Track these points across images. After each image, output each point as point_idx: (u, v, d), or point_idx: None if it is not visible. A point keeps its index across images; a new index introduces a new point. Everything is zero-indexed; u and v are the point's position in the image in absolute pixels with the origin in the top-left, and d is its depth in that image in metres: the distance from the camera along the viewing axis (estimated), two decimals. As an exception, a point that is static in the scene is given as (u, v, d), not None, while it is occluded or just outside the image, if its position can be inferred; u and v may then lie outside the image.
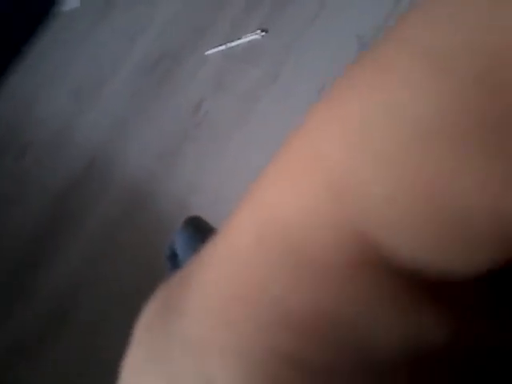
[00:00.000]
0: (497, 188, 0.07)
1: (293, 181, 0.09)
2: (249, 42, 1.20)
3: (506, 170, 0.07)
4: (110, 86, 1.22)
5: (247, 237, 0.10)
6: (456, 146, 0.08)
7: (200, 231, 0.56)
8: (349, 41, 1.14)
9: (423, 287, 0.09)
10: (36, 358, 1.01)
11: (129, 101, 1.20)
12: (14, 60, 1.28)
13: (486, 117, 0.07)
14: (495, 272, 0.09)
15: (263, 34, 1.19)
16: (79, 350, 0.99)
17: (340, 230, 0.09)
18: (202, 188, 1.11)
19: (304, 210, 0.09)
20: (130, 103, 1.20)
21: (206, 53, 1.22)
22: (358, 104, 0.08)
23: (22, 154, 1.22)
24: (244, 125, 1.14)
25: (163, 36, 1.24)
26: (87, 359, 0.98)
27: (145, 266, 0.97)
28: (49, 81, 1.26)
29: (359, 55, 0.09)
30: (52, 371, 0.98)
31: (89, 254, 1.08)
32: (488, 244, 0.08)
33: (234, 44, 1.21)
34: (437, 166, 0.08)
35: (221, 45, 1.21)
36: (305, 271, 0.09)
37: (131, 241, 1.07)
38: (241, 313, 0.09)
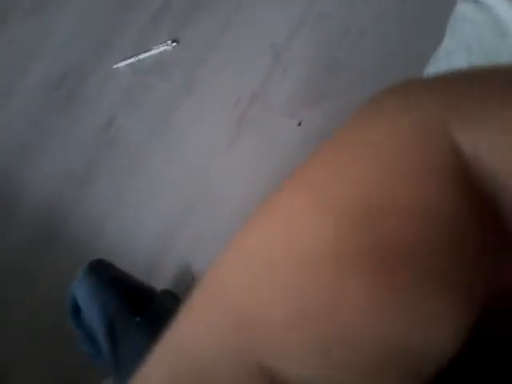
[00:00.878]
0: (380, 316, 0.08)
1: (203, 314, 0.10)
2: (159, 53, 1.15)
3: (384, 296, 0.08)
4: (10, 107, 1.12)
5: (160, 368, 0.10)
6: (338, 274, 0.08)
7: (106, 279, 0.50)
8: (263, 50, 1.11)
9: None
10: None
11: (31, 122, 1.11)
12: None
13: (361, 245, 0.08)
14: None
15: (174, 44, 1.14)
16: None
17: (242, 360, 0.09)
18: (117, 209, 1.04)
19: (212, 341, 0.09)
20: (33, 124, 1.11)
21: (114, 66, 1.15)
22: (257, 236, 0.09)
23: None
24: (159, 140, 1.08)
25: (66, 50, 1.16)
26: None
27: (53, 300, 0.89)
28: None
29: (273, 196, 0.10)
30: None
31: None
32: (385, 372, 0.08)
33: (143, 56, 1.15)
34: (321, 293, 0.08)
35: (129, 57, 1.15)
36: None
37: (39, 275, 0.99)
38: None
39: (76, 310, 0.48)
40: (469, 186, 0.09)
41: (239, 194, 1.00)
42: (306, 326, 0.08)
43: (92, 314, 0.45)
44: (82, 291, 0.46)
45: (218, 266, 0.10)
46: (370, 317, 0.08)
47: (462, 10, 0.64)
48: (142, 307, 0.47)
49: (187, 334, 0.10)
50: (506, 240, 0.09)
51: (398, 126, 0.09)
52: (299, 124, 1.03)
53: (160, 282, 0.92)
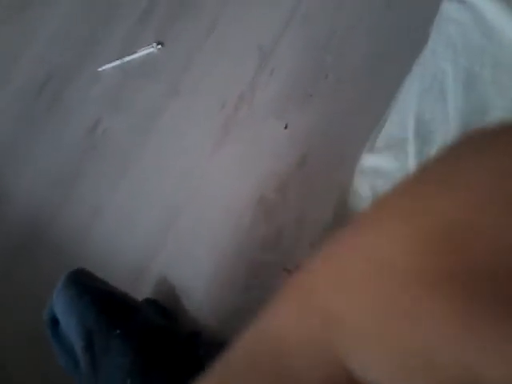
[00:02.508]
0: (454, 340, 0.08)
1: (295, 309, 0.11)
2: (145, 55, 1.14)
3: (459, 322, 0.08)
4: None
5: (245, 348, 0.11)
6: (423, 293, 0.09)
7: (85, 289, 0.49)
8: (249, 51, 1.10)
9: None
10: None
11: (15, 127, 1.10)
12: None
13: (445, 269, 0.09)
14: None
15: (159, 46, 1.13)
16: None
17: (324, 354, 0.10)
18: (103, 213, 1.03)
19: (299, 333, 0.10)
20: (18, 127, 1.10)
21: (100, 69, 1.13)
22: (349, 248, 0.10)
23: None
24: (145, 143, 1.07)
25: (51, 52, 1.15)
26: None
27: (40, 303, 0.87)
28: None
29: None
30: None
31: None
32: None
33: (129, 58, 1.13)
34: (405, 309, 0.09)
35: (115, 60, 1.14)
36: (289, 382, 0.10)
37: (27, 278, 0.97)
38: None
39: (54, 323, 0.46)
40: None
41: (226, 198, 0.99)
42: (388, 336, 0.09)
43: (70, 326, 0.43)
44: (61, 302, 0.44)
45: (310, 271, 0.11)
46: (445, 339, 0.09)
47: (447, 9, 0.63)
48: (122, 319, 0.45)
49: (277, 324, 0.11)
50: None
51: (489, 168, 0.10)
52: (286, 127, 1.02)
53: (144, 288, 0.91)
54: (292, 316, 0.11)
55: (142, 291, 0.89)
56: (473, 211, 0.09)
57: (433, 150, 0.59)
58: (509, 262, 0.08)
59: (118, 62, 1.13)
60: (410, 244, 0.09)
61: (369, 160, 0.64)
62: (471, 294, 0.08)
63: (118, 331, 0.44)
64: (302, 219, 0.94)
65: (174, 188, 1.02)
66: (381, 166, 0.62)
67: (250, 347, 0.11)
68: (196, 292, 0.91)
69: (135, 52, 1.13)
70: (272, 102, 1.06)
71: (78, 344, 0.42)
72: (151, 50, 1.13)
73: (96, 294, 0.46)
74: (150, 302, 0.71)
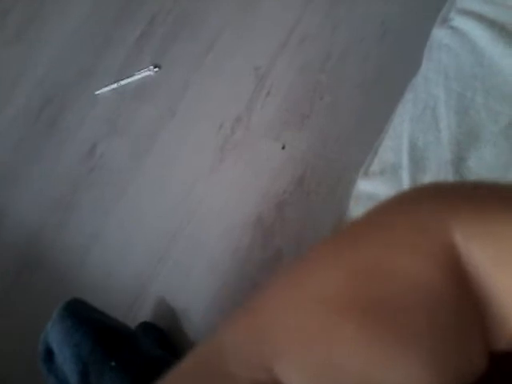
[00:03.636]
0: (365, 357, 0.10)
1: (241, 331, 0.12)
2: (142, 78, 1.14)
3: (371, 343, 0.11)
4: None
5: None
6: (341, 319, 0.11)
7: (80, 320, 0.49)
8: (246, 73, 1.11)
9: None
10: None
11: (14, 151, 1.10)
12: None
13: (361, 299, 0.11)
14: None
15: (156, 69, 1.14)
16: None
17: (254, 360, 0.11)
18: (101, 238, 1.03)
19: (242, 360, 0.12)
20: (15, 153, 1.10)
21: (97, 92, 1.14)
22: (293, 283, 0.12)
23: None
24: (142, 166, 1.07)
25: (49, 77, 1.16)
26: None
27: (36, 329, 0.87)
28: None
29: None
30: None
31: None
32: None
33: (126, 82, 1.14)
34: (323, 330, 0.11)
35: (112, 83, 1.14)
36: None
37: (21, 303, 0.97)
38: None
39: (49, 354, 0.46)
40: (458, 275, 0.11)
41: (224, 220, 0.99)
42: (307, 352, 0.11)
43: (65, 357, 0.43)
44: (56, 333, 0.44)
45: (256, 302, 0.12)
46: (352, 353, 0.10)
47: (438, 35, 0.64)
48: (117, 350, 0.45)
49: (223, 338, 0.12)
50: (485, 357, 0.11)
51: (401, 224, 0.12)
52: (283, 147, 1.02)
53: (142, 311, 0.91)
54: (237, 333, 0.12)
55: (140, 314, 0.89)
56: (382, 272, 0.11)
57: (426, 176, 0.59)
58: (403, 301, 0.11)
59: (115, 85, 1.14)
60: (339, 284, 0.11)
61: (363, 185, 0.64)
62: (374, 319, 0.11)
63: (113, 363, 0.44)
64: (301, 239, 0.94)
65: (172, 210, 1.02)
66: (375, 192, 0.62)
67: (197, 356, 0.12)
68: (195, 314, 0.91)
69: (132, 75, 1.14)
70: (269, 123, 1.06)
71: (73, 376, 0.42)
72: (148, 72, 1.14)
73: (91, 326, 0.47)
74: (148, 326, 0.71)
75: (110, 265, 1.00)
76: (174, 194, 1.04)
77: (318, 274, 0.12)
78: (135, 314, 0.84)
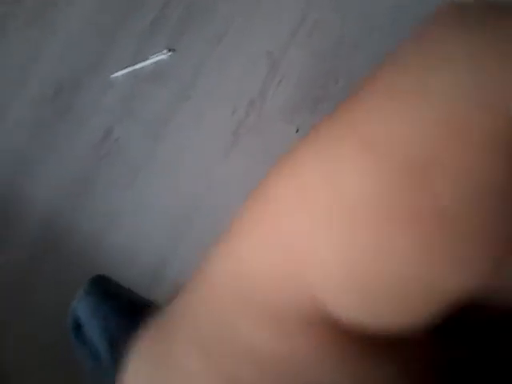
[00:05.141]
0: (420, 261, 0.09)
1: (260, 242, 0.10)
2: (156, 62, 1.15)
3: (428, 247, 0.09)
4: (7, 120, 1.12)
5: (222, 290, 0.11)
6: (390, 226, 0.09)
7: (106, 295, 0.50)
8: (259, 57, 1.11)
9: (369, 343, 0.10)
10: None
11: (29, 136, 1.11)
12: None
13: (413, 205, 0.09)
14: (442, 322, 0.10)
15: (170, 53, 1.14)
16: None
17: (299, 292, 0.10)
18: (118, 222, 1.04)
19: (268, 270, 0.10)
20: (32, 138, 1.11)
21: (112, 76, 1.15)
22: (323, 192, 0.10)
23: None
24: (156, 149, 1.08)
25: (63, 61, 1.16)
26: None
27: (54, 317, 0.89)
28: None
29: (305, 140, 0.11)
30: None
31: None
32: (421, 306, 0.09)
33: (140, 65, 1.15)
34: (374, 243, 0.09)
35: (127, 67, 1.15)
36: (269, 320, 0.10)
37: (40, 288, 0.99)
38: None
39: (77, 327, 0.48)
40: None
41: (237, 203, 1.00)
42: (355, 269, 0.09)
43: (94, 329, 0.45)
44: (83, 308, 0.46)
45: (270, 201, 0.11)
46: (410, 264, 0.09)
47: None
48: (141, 321, 0.47)
49: (246, 258, 0.11)
50: None
51: (461, 79, 0.09)
52: (297, 131, 1.03)
53: (160, 292, 0.92)
54: (253, 252, 0.10)
55: (156, 296, 0.90)
56: (437, 146, 0.09)
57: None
58: (471, 203, 0.09)
59: (129, 69, 1.15)
60: (376, 177, 0.09)
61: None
62: (434, 232, 0.09)
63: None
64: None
65: (186, 194, 1.03)
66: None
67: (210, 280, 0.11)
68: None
69: (146, 59, 1.15)
70: (283, 107, 1.07)
71: (101, 346, 0.44)
72: (162, 56, 1.14)
73: (117, 299, 0.48)
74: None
75: (126, 248, 1.01)
76: (188, 178, 1.05)
77: (348, 166, 0.09)
78: (154, 293, 0.86)
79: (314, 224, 0.10)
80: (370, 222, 0.09)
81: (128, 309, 0.48)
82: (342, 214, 0.09)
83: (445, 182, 0.09)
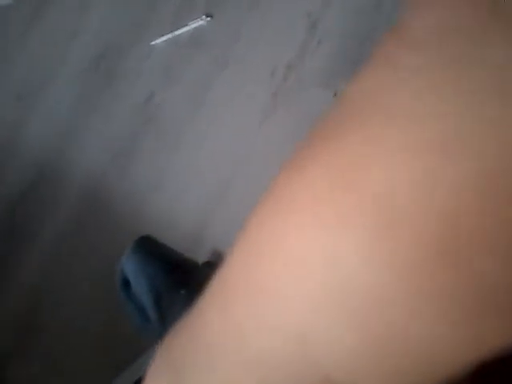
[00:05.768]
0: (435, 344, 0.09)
1: (266, 325, 0.10)
2: (195, 28, 1.16)
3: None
4: (53, 88, 1.16)
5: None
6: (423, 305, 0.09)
7: (152, 254, 0.53)
8: (298, 19, 1.11)
9: None
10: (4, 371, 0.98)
11: (74, 102, 1.15)
12: None
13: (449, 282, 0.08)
14: None
15: (208, 19, 1.15)
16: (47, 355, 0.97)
17: (308, 369, 0.10)
18: (160, 185, 1.08)
19: (277, 350, 0.10)
20: (76, 105, 1.15)
21: (152, 43, 1.17)
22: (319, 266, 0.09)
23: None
24: (197, 114, 1.10)
25: (104, 29, 1.19)
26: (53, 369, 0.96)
27: (101, 272, 0.94)
28: (-12, 85, 1.20)
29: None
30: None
31: (44, 264, 1.04)
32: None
33: (179, 32, 1.16)
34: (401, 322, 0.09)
35: (166, 33, 1.17)
36: None
37: (87, 248, 1.04)
38: None
39: (125, 284, 0.52)
40: None
41: (276, 167, 1.02)
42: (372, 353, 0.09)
43: (140, 287, 0.48)
44: (131, 266, 0.49)
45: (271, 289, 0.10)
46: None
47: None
48: (186, 280, 0.50)
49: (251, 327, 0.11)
50: None
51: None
52: (335, 95, 1.03)
53: (201, 253, 0.96)
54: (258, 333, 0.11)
55: (199, 254, 0.94)
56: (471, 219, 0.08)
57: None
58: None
59: (169, 36, 1.16)
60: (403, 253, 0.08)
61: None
62: (473, 308, 0.09)
63: (183, 291, 0.49)
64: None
65: (225, 158, 1.06)
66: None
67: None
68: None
69: (185, 25, 1.16)
70: (321, 70, 1.07)
71: (148, 302, 0.47)
72: (201, 22, 1.15)
73: (162, 258, 0.51)
74: (208, 264, 0.76)
75: (168, 210, 1.05)
76: (228, 142, 1.07)
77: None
78: (194, 253, 0.89)
79: (319, 305, 0.09)
80: (392, 303, 0.09)
81: (172, 268, 0.51)
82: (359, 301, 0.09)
83: (484, 258, 0.08)
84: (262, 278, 0.11)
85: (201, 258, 0.96)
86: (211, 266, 0.84)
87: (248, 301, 0.11)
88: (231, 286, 0.12)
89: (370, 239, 0.08)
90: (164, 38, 1.17)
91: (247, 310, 0.11)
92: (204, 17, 1.15)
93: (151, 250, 0.51)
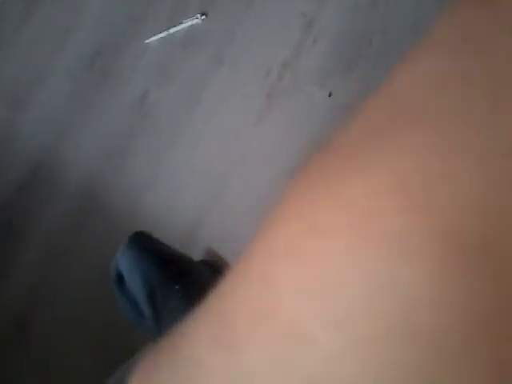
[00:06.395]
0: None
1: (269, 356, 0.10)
2: (190, 26, 1.16)
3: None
4: (46, 86, 1.16)
5: None
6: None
7: (146, 249, 0.53)
8: (293, 18, 1.11)
9: None
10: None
11: (68, 100, 1.14)
12: None
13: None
14: None
15: (203, 17, 1.15)
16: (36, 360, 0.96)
17: None
18: (155, 183, 1.07)
19: None
20: (70, 103, 1.14)
21: (146, 41, 1.17)
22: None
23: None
24: (192, 112, 1.10)
25: (98, 27, 1.18)
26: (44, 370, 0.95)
27: (98, 269, 0.94)
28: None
29: None
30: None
31: (41, 262, 1.03)
32: None
33: (174, 30, 1.16)
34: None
35: (161, 32, 1.16)
36: None
37: (83, 246, 1.03)
38: None
39: (119, 279, 0.51)
40: None
41: (271, 166, 1.02)
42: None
43: (135, 282, 0.48)
44: (125, 261, 0.49)
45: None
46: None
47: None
48: (180, 275, 0.50)
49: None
50: None
51: None
52: (330, 95, 1.03)
53: (195, 252, 0.96)
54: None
55: (193, 253, 0.94)
56: None
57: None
58: None
59: (163, 34, 1.16)
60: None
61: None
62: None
63: (177, 287, 0.49)
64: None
65: (220, 157, 1.05)
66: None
67: None
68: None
69: (180, 23, 1.16)
70: (316, 70, 1.07)
71: (142, 298, 0.47)
72: (196, 20, 1.15)
73: (157, 253, 0.51)
74: (202, 262, 0.76)
75: (164, 208, 1.04)
76: (222, 141, 1.07)
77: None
78: (189, 252, 0.89)
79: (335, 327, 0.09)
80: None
81: (167, 263, 0.51)
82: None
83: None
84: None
85: (195, 256, 0.96)
86: (206, 264, 0.84)
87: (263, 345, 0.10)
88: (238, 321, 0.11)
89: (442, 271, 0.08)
90: (158, 37, 1.16)
91: (260, 354, 0.10)
92: (199, 15, 1.15)
93: (145, 245, 0.51)
